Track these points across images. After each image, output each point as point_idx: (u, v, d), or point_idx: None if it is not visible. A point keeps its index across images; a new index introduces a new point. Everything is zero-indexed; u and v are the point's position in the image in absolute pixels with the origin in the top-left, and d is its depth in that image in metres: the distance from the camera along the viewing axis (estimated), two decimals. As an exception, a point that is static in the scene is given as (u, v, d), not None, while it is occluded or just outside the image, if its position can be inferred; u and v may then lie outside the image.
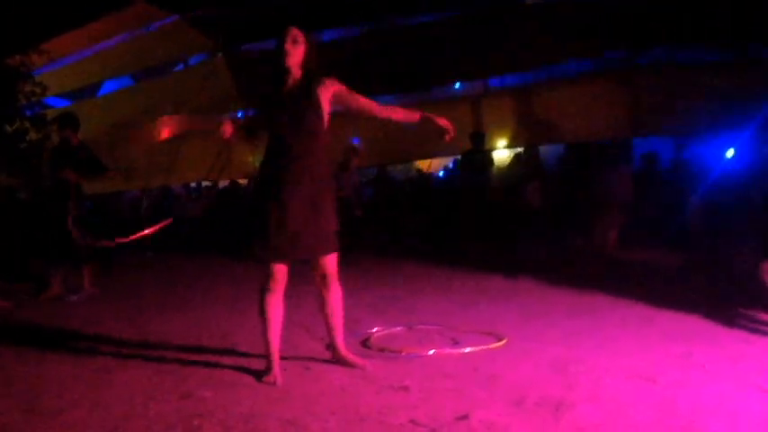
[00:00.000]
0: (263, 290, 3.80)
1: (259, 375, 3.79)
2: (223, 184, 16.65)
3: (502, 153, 16.54)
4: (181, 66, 19.74)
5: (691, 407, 3.18)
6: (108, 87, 20.13)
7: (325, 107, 3.76)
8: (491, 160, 10.58)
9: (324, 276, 3.86)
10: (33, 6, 11.69)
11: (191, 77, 18.57)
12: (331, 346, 4.06)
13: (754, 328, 4.64)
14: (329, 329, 3.99)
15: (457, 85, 17.34)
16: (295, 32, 3.72)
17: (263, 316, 3.81)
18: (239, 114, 18.52)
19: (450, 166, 17.58)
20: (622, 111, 14.87)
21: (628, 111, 14.89)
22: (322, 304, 3.94)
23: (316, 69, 3.77)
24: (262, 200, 3.76)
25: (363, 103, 3.84)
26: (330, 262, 3.84)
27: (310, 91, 3.73)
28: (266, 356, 3.82)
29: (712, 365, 3.81)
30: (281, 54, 3.70)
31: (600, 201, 9.05)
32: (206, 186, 15.61)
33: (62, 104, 18.58)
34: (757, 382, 3.50)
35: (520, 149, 14.76)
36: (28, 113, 12.23)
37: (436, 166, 18.96)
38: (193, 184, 15.80)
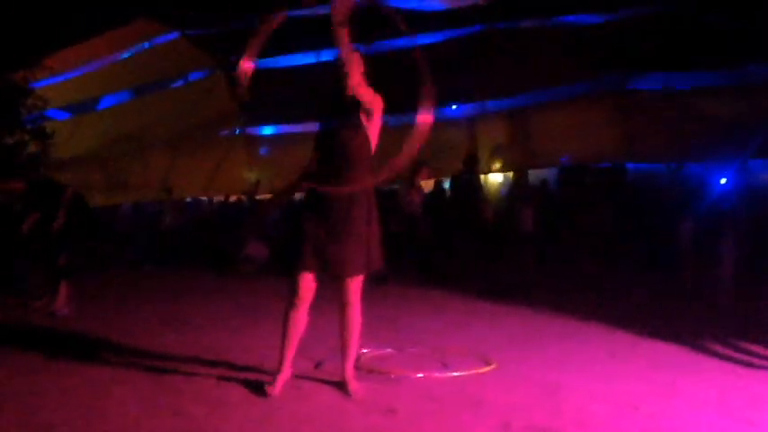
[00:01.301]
0: (288, 304, 3.90)
1: (251, 391, 3.88)
2: (218, 198, 16.69)
3: (496, 176, 16.70)
4: (180, 81, 19.86)
5: (673, 435, 3.24)
6: (108, 102, 20.23)
7: (372, 130, 3.89)
8: (479, 183, 10.66)
9: (344, 297, 3.90)
10: (37, 22, 11.81)
11: (190, 93, 18.72)
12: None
13: (742, 358, 4.68)
14: (341, 348, 4.01)
15: (453, 107, 17.46)
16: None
17: (284, 329, 3.90)
18: (237, 132, 18.68)
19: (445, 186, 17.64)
20: (616, 135, 15.03)
21: (622, 135, 15.05)
22: (340, 323, 3.98)
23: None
24: (302, 214, 3.87)
25: (374, 131, 3.90)
26: (353, 285, 3.88)
27: (356, 112, 3.84)
28: (278, 366, 3.92)
29: (697, 395, 3.87)
30: (342, 84, 3.78)
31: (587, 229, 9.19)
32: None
33: (63, 117, 18.69)
34: (742, 413, 3.56)
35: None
36: (28, 124, 12.34)
37: (428, 186, 18.97)
38: (189, 199, 15.85)
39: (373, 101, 3.83)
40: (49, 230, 6.72)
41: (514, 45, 16.02)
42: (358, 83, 3.75)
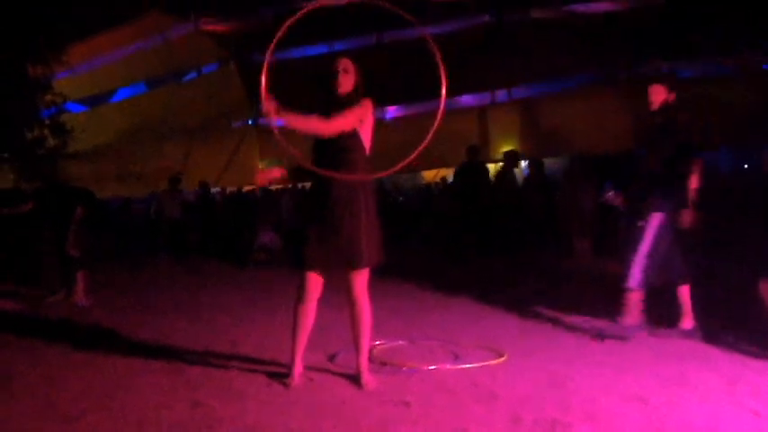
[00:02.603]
0: (297, 298, 4.00)
1: (267, 383, 4.00)
2: (230, 189, 16.80)
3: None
4: (194, 74, 19.98)
5: (681, 428, 3.29)
6: (122, 94, 20.40)
7: (368, 126, 3.97)
8: (485, 171, 10.66)
9: (351, 291, 3.97)
10: (53, 17, 11.93)
11: (203, 85, 18.84)
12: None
13: (751, 350, 4.70)
14: (353, 342, 4.08)
15: (464, 97, 17.48)
16: (345, 62, 3.94)
17: (293, 322, 4.01)
18: (250, 122, 18.79)
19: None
20: (625, 123, 14.98)
21: (631, 123, 15.00)
22: (350, 317, 4.05)
23: (361, 94, 3.96)
24: (304, 213, 3.98)
25: (365, 140, 3.96)
26: (358, 278, 3.95)
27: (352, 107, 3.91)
28: (291, 359, 4.03)
29: (705, 387, 3.91)
30: (333, 83, 3.91)
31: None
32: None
33: (78, 110, 18.88)
34: (750, 405, 3.58)
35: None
36: (46, 119, 12.51)
37: (443, 174, 19.03)
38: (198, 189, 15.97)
39: (360, 117, 3.89)
40: (63, 238, 6.91)
41: (524, 35, 16.00)
42: (333, 130, 3.83)
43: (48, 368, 4.44)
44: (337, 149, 3.89)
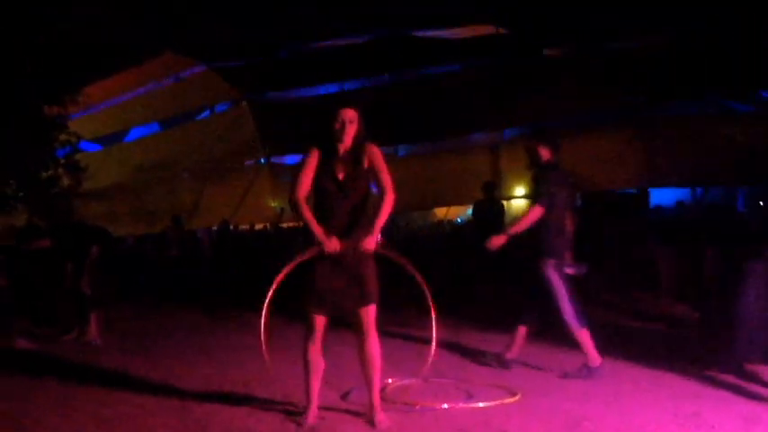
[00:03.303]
0: (305, 339, 4.01)
1: (280, 423, 3.99)
2: (243, 227, 16.88)
3: (520, 202, 16.73)
4: (206, 113, 20.25)
5: (697, 468, 3.25)
6: (136, 133, 20.67)
7: (370, 174, 4.03)
8: (502, 209, 10.63)
9: (360, 329, 3.98)
10: (68, 58, 12.18)
11: (216, 124, 19.09)
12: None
13: (765, 389, 4.65)
14: (364, 380, 4.07)
15: (476, 135, 17.61)
16: (351, 114, 3.98)
17: (305, 364, 4.02)
18: (262, 161, 18.97)
19: (469, 213, 17.76)
20: (639, 161, 15.02)
21: (645, 161, 15.05)
22: (360, 356, 4.04)
23: (364, 139, 4.02)
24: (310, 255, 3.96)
25: (382, 181, 4.00)
26: (367, 314, 3.96)
27: (359, 161, 3.99)
28: (305, 399, 4.04)
29: (722, 426, 3.87)
30: (338, 133, 3.96)
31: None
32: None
33: (93, 149, 19.13)
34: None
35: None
36: (61, 158, 12.70)
37: (453, 213, 19.15)
38: (214, 227, 16.08)
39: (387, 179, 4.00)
40: (77, 276, 6.97)
41: (537, 73, 16.16)
42: (394, 199, 3.96)
43: (61, 407, 4.44)
44: (352, 197, 3.95)
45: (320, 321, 3.98)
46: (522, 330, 5.39)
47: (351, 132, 3.97)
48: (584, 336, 5.09)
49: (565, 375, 5.08)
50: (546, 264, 5.14)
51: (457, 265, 11.13)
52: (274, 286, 3.95)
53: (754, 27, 13.50)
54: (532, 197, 5.35)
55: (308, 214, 3.91)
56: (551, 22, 16.26)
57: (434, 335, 4.08)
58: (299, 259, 3.93)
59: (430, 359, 4.09)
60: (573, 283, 5.20)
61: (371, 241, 3.84)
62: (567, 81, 15.80)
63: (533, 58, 16.77)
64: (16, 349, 6.59)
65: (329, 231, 3.90)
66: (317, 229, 3.86)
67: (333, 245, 3.83)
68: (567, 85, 15.83)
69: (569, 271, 5.28)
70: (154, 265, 13.21)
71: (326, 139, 4.01)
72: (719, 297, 5.88)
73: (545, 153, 5.35)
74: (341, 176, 3.95)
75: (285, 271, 3.97)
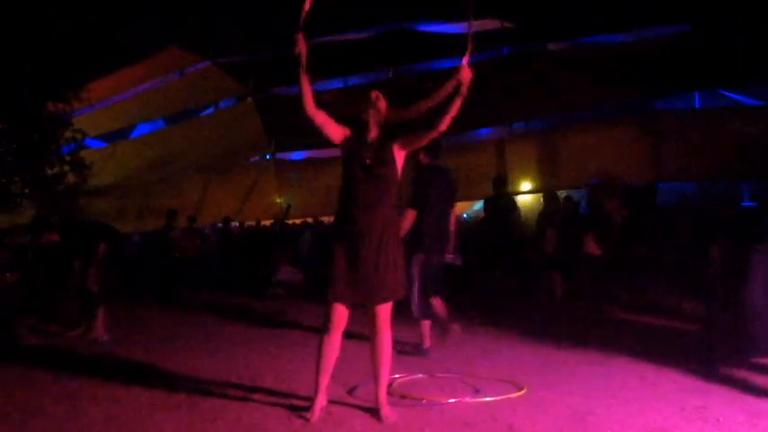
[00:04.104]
0: (322, 329, 4.02)
1: (287, 417, 3.99)
2: (249, 223, 16.89)
3: (526, 197, 16.71)
4: (211, 109, 20.24)
5: (704, 461, 3.25)
6: (141, 130, 20.69)
7: (399, 161, 4.05)
8: (514, 204, 10.58)
9: (374, 323, 3.99)
10: (72, 55, 12.21)
11: (221, 120, 19.10)
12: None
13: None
14: (373, 374, 4.09)
15: (482, 130, 17.56)
16: (377, 95, 4.05)
17: (318, 354, 4.03)
18: (268, 157, 18.98)
19: (476, 207, 17.70)
20: (646, 155, 14.96)
21: (651, 155, 14.99)
22: (371, 349, 4.06)
23: (391, 127, 4.05)
24: (333, 243, 3.99)
25: (424, 133, 4.04)
26: (383, 310, 3.98)
27: (386, 145, 4.01)
28: (314, 392, 4.03)
29: (727, 420, 3.87)
30: (365, 114, 4.00)
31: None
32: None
33: (98, 146, 19.16)
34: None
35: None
36: (65, 152, 12.74)
37: (459, 209, 19.04)
38: (219, 224, 16.11)
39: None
40: (84, 273, 7.00)
41: (542, 67, 16.11)
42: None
43: (69, 403, 4.45)
44: (379, 185, 3.96)
45: (340, 312, 3.98)
46: (426, 325, 5.83)
47: (377, 115, 4.00)
48: (425, 326, 5.79)
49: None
50: (415, 258, 5.67)
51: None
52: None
53: (762, 19, 13.42)
54: (410, 200, 5.83)
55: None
56: (556, 16, 16.19)
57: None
58: None
59: None
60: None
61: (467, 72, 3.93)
62: (573, 75, 15.74)
63: (539, 52, 16.71)
64: (23, 345, 6.61)
65: (351, 218, 3.92)
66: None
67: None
68: (573, 78, 15.77)
69: (449, 258, 5.95)
70: (160, 262, 13.24)
71: (355, 123, 4.03)
72: (725, 291, 5.89)
73: (423, 158, 5.90)
74: (368, 162, 3.95)
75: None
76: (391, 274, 3.92)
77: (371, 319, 3.98)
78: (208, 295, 10.92)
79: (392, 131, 4.04)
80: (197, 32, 17.73)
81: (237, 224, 16.35)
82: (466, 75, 3.92)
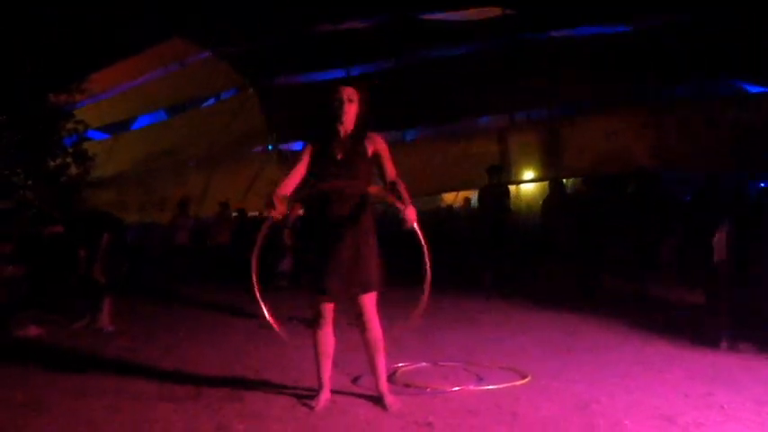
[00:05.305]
0: (313, 324, 4.04)
1: (291, 407, 4.01)
2: (252, 213, 16.85)
3: (529, 185, 16.70)
4: (213, 100, 20.19)
5: (709, 448, 3.25)
6: (143, 121, 20.65)
7: (371, 155, 4.01)
8: (507, 193, 10.48)
9: (361, 315, 3.98)
10: (73, 46, 12.19)
11: (222, 111, 19.04)
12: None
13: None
14: (369, 366, 4.10)
15: (483, 118, 17.51)
16: (350, 91, 3.98)
17: (315, 349, 4.05)
18: (270, 147, 18.95)
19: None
20: (647, 144, 14.91)
21: (655, 144, 14.93)
22: (363, 342, 4.05)
23: (365, 123, 4.01)
24: (309, 240, 3.99)
25: (389, 170, 3.99)
26: (367, 301, 3.96)
27: (360, 142, 3.97)
28: (317, 384, 4.07)
29: (732, 407, 3.87)
30: (337, 111, 3.93)
31: None
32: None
33: (100, 137, 19.14)
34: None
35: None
36: (68, 144, 12.74)
37: (462, 197, 19.04)
38: (235, 213, 16.11)
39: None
40: (89, 264, 7.01)
41: (544, 56, 16.04)
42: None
43: (73, 394, 4.46)
44: (353, 181, 3.92)
45: (326, 306, 3.99)
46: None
47: (351, 112, 3.94)
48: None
49: None
50: None
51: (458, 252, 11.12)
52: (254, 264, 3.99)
53: (763, 6, 13.34)
54: None
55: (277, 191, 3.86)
56: (558, 3, 16.11)
57: (427, 287, 3.89)
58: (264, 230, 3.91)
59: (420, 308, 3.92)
60: None
61: (412, 212, 3.71)
62: (576, 63, 15.68)
63: (541, 40, 16.63)
64: (28, 336, 6.63)
65: (326, 214, 3.89)
66: (275, 193, 3.81)
67: (277, 211, 3.76)
68: (576, 67, 15.70)
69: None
70: (162, 252, 13.26)
71: (327, 120, 3.97)
72: (729, 279, 5.87)
73: None
74: (339, 157, 3.93)
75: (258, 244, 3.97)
76: (371, 264, 3.91)
77: (358, 312, 3.97)
78: (211, 285, 10.93)
79: (365, 128, 4.00)
80: (198, 24, 17.66)
81: (236, 214, 16.32)
82: (410, 215, 3.74)
